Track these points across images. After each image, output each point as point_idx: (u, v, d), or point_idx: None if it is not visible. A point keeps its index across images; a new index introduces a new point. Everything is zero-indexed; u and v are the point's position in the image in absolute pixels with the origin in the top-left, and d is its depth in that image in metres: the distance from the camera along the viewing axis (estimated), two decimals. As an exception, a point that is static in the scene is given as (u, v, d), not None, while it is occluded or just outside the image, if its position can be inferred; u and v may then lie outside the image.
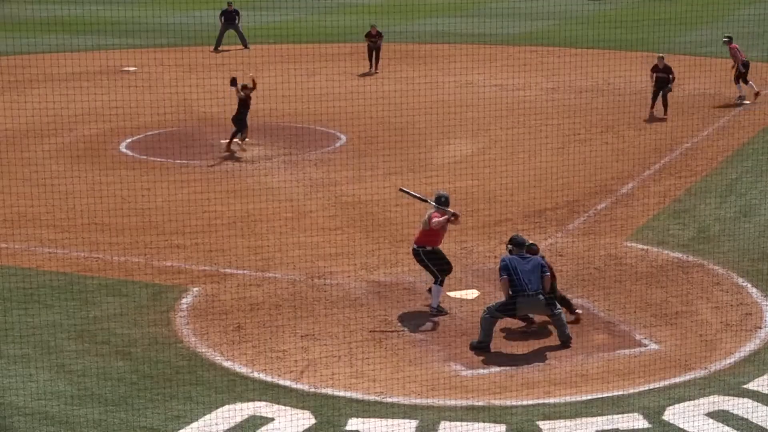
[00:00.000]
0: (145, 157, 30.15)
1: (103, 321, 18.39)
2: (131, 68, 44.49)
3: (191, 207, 24.22)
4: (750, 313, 18.47)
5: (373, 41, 43.62)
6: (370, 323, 18.19)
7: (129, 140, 32.19)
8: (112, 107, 33.41)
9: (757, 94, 36.25)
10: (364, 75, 42.49)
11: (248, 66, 41.66)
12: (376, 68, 43.63)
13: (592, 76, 38.36)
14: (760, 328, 17.95)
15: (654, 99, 34.26)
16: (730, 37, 36.41)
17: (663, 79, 33.91)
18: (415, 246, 18.73)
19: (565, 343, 17.26)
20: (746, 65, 35.97)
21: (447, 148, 30.68)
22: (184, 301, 19.38)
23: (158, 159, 29.64)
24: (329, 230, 23.38)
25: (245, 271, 20.86)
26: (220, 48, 49.91)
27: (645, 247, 22.02)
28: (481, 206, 24.30)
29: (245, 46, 49.85)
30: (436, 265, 18.55)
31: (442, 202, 18.63)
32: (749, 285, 19.52)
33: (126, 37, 51.67)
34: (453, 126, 30.66)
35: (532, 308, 17.30)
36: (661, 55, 34.84)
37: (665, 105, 34.07)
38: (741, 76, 35.97)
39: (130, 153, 30.76)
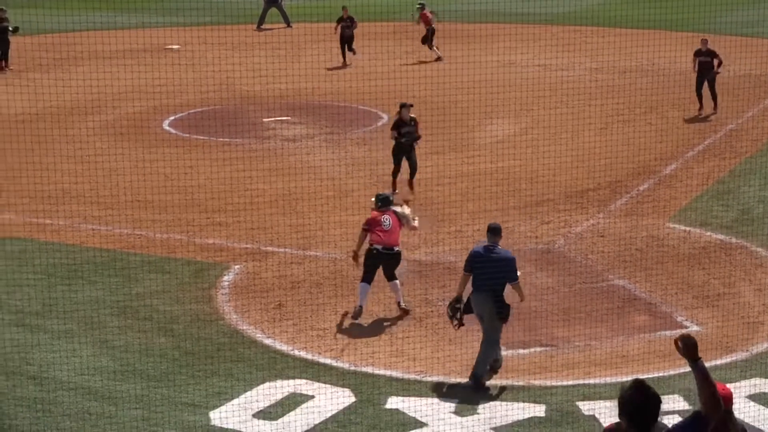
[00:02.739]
0: (187, 135, 30.28)
1: (145, 298, 18.53)
2: (175, 46, 44.63)
3: (233, 185, 24.32)
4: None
5: (348, 26, 41.30)
6: (410, 302, 18.21)
7: (172, 118, 32.35)
8: (155, 85, 33.56)
9: (438, 58, 40.72)
10: (336, 68, 40.52)
11: (291, 45, 41.71)
12: (345, 61, 41.14)
13: (635, 56, 38.11)
14: (803, 310, 17.84)
15: (699, 90, 31.83)
16: (422, 5, 40.71)
17: (707, 64, 31.66)
18: (397, 248, 18.16)
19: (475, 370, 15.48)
20: (433, 31, 40.61)
21: (489, 127, 30.62)
22: (225, 278, 19.49)
23: (201, 137, 29.77)
24: (370, 209, 23.38)
25: (286, 249, 20.95)
26: (263, 27, 49.95)
27: (687, 228, 21.91)
28: (523, 186, 24.27)
29: (288, 25, 49.88)
30: None
31: (388, 202, 18.57)
32: (793, 267, 19.40)
33: (170, 16, 51.83)
34: (495, 106, 30.56)
35: (482, 307, 15.58)
36: (704, 37, 32.95)
37: (714, 97, 31.88)
38: (428, 38, 40.68)
39: (173, 131, 30.92)
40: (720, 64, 31.71)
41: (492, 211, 22.26)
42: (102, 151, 27.07)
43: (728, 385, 8.90)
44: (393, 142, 24.40)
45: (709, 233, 21.60)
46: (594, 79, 36.83)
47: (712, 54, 31.82)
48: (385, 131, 30.35)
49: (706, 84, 31.87)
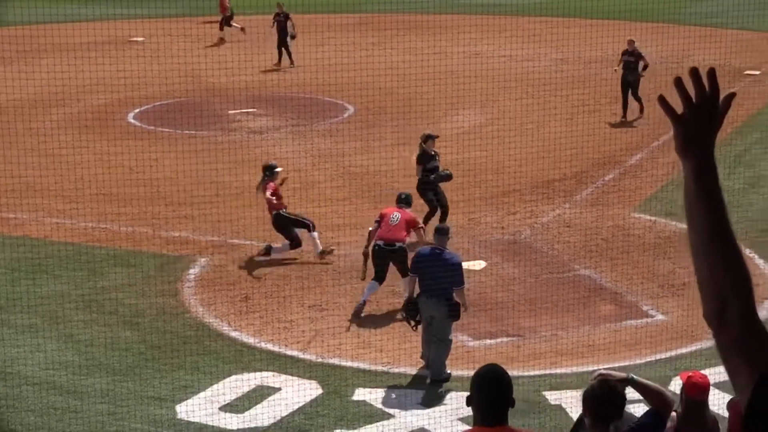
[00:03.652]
0: (152, 127, 30.15)
1: (110, 291, 18.44)
2: (139, 38, 44.44)
3: (199, 177, 24.21)
4: (758, 284, 18.45)
5: (281, 21, 39.34)
6: (377, 293, 18.19)
7: (137, 111, 32.19)
8: (119, 77, 33.42)
9: (242, 29, 44.49)
10: (275, 70, 38.86)
11: (256, 36, 41.49)
12: (291, 61, 38.99)
13: (601, 47, 38.18)
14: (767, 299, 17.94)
15: (624, 94, 30.18)
16: None
17: (631, 64, 29.98)
18: (399, 244, 17.84)
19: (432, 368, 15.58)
20: (229, 17, 44.97)
21: (455, 118, 30.62)
22: (191, 271, 19.43)
23: (166, 129, 29.65)
24: (337, 201, 23.39)
25: (253, 242, 20.89)
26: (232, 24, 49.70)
27: (652, 218, 22.00)
28: (489, 177, 24.29)
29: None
30: None
31: (407, 203, 18.53)
32: (756, 256, 19.49)
33: (134, 8, 51.54)
34: (461, 97, 30.58)
35: (432, 310, 15.25)
36: (631, 38, 31.34)
37: (638, 100, 29.90)
38: (227, 21, 45.00)
39: (137, 123, 30.76)
40: (645, 67, 29.97)
41: (458, 202, 22.28)
42: (66, 144, 26.88)
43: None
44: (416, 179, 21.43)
45: (674, 223, 21.66)
46: (559, 70, 36.92)
47: (638, 56, 30.14)
48: (351, 122, 30.37)
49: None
